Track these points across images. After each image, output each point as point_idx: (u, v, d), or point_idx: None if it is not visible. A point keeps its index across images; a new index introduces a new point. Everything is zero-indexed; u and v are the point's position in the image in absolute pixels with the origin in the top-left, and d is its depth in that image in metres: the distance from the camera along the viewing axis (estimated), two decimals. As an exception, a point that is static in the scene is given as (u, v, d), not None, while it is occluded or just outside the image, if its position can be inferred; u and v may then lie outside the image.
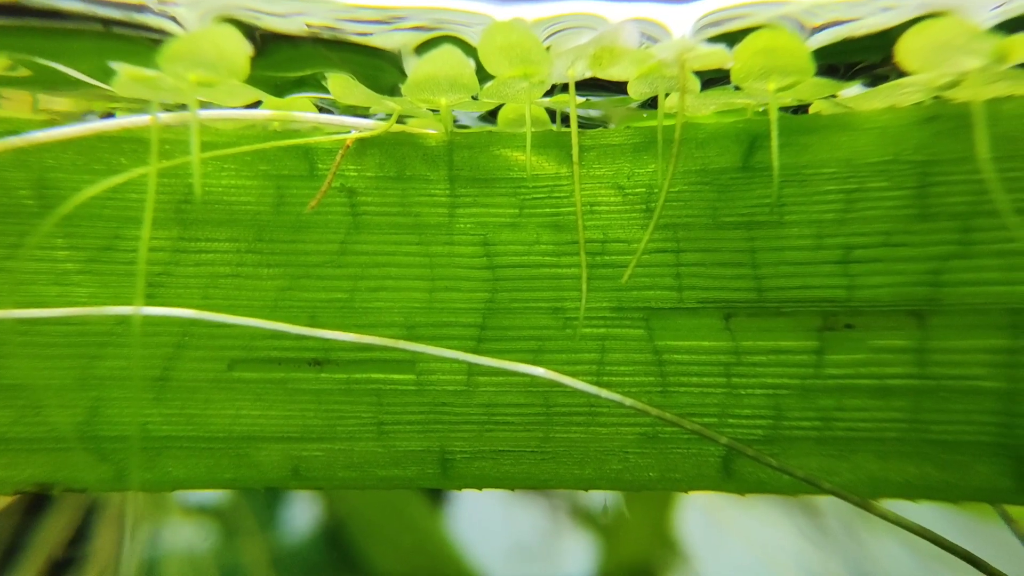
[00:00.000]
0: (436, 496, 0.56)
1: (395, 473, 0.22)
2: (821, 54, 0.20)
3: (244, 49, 0.18)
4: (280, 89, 0.22)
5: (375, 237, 0.23)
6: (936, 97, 0.19)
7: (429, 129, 0.22)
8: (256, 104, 0.22)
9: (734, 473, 0.20)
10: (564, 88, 0.22)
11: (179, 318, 0.21)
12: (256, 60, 0.20)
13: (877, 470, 0.19)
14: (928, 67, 0.17)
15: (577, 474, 0.21)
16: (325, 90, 0.22)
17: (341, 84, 0.19)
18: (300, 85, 0.22)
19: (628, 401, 0.19)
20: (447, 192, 0.23)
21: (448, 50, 0.18)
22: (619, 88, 0.21)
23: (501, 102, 0.20)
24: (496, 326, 0.22)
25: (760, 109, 0.21)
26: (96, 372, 0.22)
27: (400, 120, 0.23)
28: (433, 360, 0.22)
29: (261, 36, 0.21)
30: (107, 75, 0.22)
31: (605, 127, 0.24)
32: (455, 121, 0.26)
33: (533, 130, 0.22)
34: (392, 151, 0.23)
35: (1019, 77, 0.17)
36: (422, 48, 0.19)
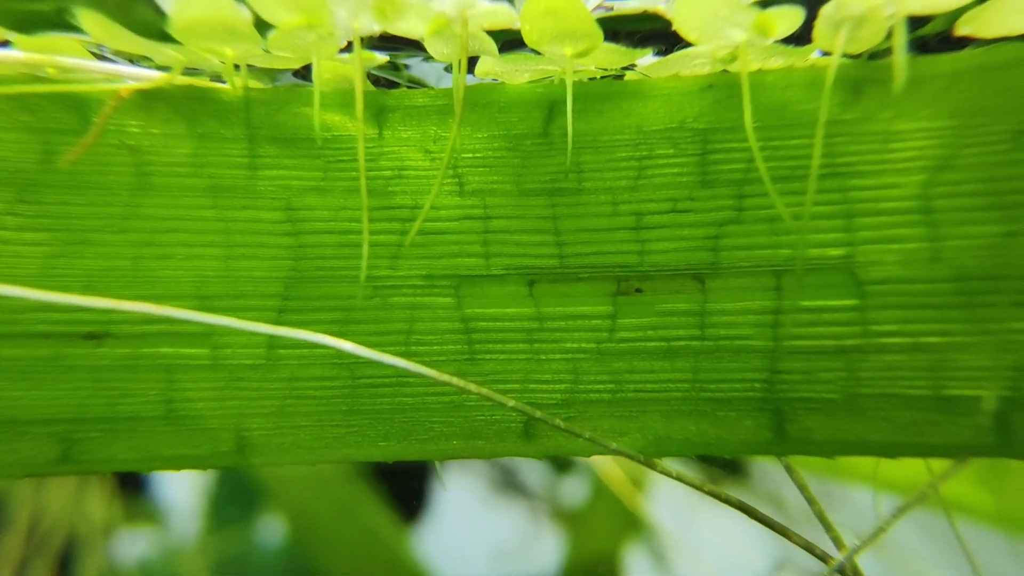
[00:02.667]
0: (406, 506, 0.54)
1: (185, 452, 0.20)
2: (616, 20, 0.20)
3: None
4: (26, 24, 0.20)
5: (164, 200, 0.21)
6: (725, 70, 0.20)
7: (221, 83, 0.21)
8: (4, 43, 0.20)
9: (534, 437, 0.20)
10: (379, 41, 0.22)
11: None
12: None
13: (662, 429, 0.20)
14: (704, 38, 0.18)
15: (382, 446, 0.21)
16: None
17: (98, 25, 0.17)
18: (52, 25, 0.20)
19: (427, 372, 0.18)
20: (245, 152, 0.21)
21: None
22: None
23: (294, 56, 0.20)
24: (300, 296, 0.21)
25: (599, 76, 0.22)
26: None
27: (192, 72, 0.22)
28: (229, 332, 0.21)
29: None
30: None
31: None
32: (275, 79, 0.25)
33: (338, 88, 0.21)
34: (181, 106, 0.21)
35: (783, 52, 0.19)
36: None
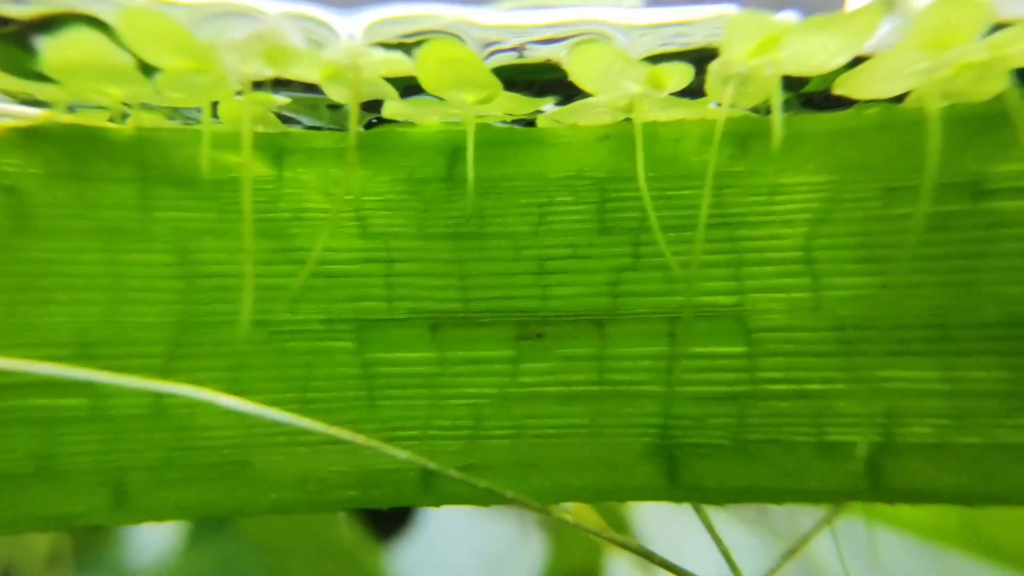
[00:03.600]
0: (392, 518, 0.52)
1: (57, 512, 0.19)
2: (524, 69, 0.21)
3: None
4: None
5: (45, 243, 0.20)
6: (627, 119, 0.21)
7: (109, 122, 0.20)
8: None
9: (432, 486, 0.20)
10: (279, 85, 0.21)
11: None
12: None
13: (560, 475, 0.20)
14: (600, 89, 0.19)
15: (274, 498, 0.20)
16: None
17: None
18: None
19: (312, 425, 0.18)
20: (137, 193, 0.20)
21: (83, 34, 0.16)
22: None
23: (189, 98, 0.19)
24: (191, 341, 0.20)
25: (509, 122, 0.22)
26: None
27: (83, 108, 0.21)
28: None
29: None
30: None
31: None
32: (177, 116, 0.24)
33: (237, 129, 0.21)
34: (66, 146, 0.20)
35: (679, 104, 0.19)
36: (47, 26, 0.17)
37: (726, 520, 0.20)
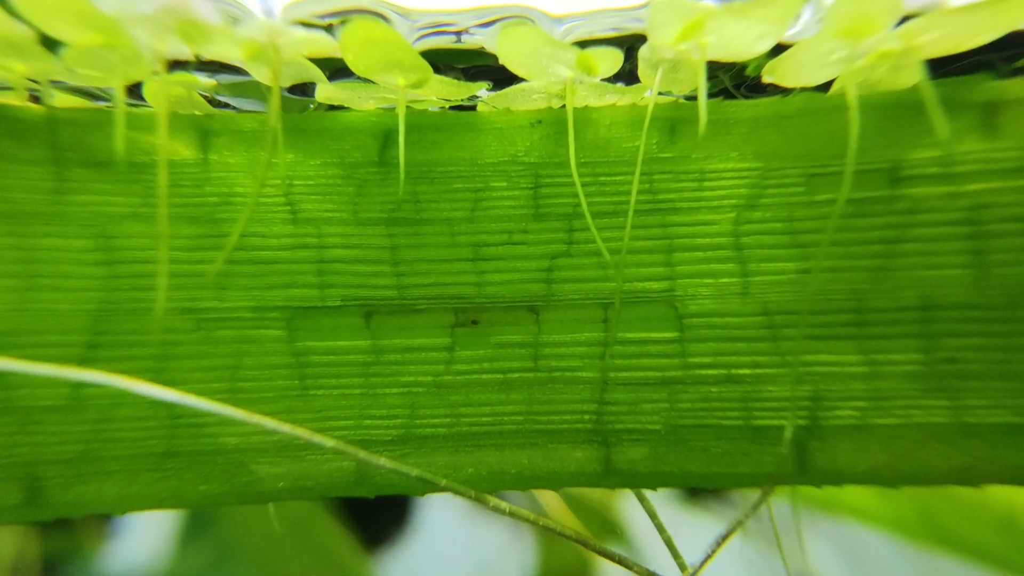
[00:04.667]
0: (386, 524, 0.51)
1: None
2: (460, 54, 0.20)
3: None
4: None
5: (-53, 226, 0.19)
6: (563, 105, 0.21)
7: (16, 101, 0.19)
8: None
9: (365, 477, 0.20)
10: (212, 68, 0.21)
11: None
12: None
13: (496, 463, 0.20)
14: (532, 74, 0.19)
15: (201, 491, 0.20)
16: None
17: None
18: None
19: (244, 415, 0.17)
20: (50, 176, 0.19)
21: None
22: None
23: (101, 76, 0.18)
24: (112, 330, 0.20)
25: (447, 107, 0.22)
26: None
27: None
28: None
29: None
30: None
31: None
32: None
33: (154, 110, 0.20)
34: (-30, 125, 0.19)
35: (613, 91, 0.20)
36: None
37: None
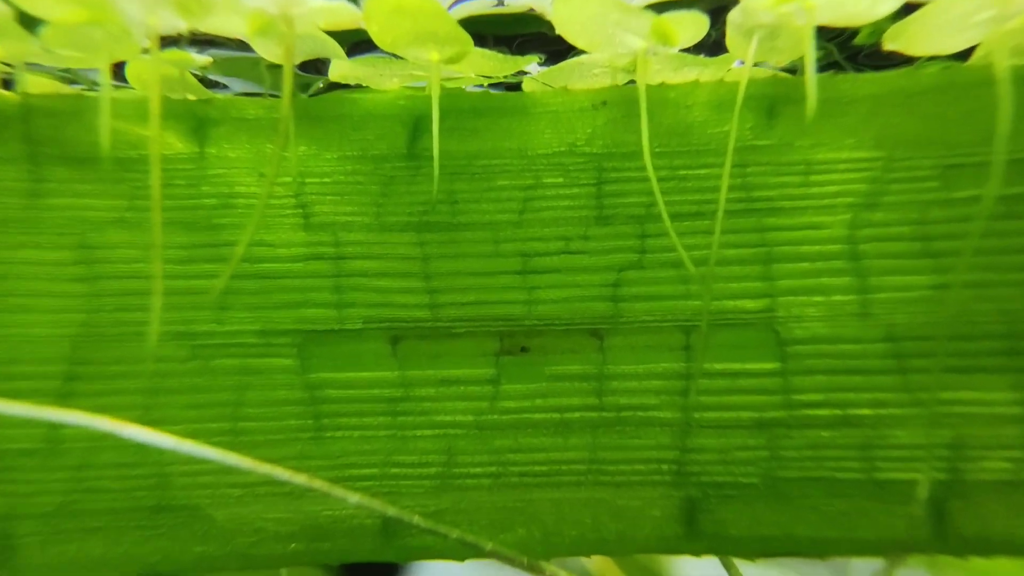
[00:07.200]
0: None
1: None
2: (502, 21, 0.18)
3: None
4: None
5: (-95, 236, 0.17)
6: (630, 82, 0.18)
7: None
8: None
9: (395, 537, 0.17)
10: (205, 44, 0.18)
11: None
12: None
13: (552, 523, 0.16)
14: (595, 45, 0.16)
15: (198, 552, 0.17)
16: None
17: None
18: None
19: (250, 465, 0.14)
20: (25, 175, 0.17)
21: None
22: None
23: (85, 56, 0.16)
24: (95, 359, 0.17)
25: (486, 86, 0.19)
26: None
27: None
28: (-7, 409, 0.17)
29: None
30: None
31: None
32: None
33: (142, 96, 0.17)
34: (-70, 115, 0.17)
35: (694, 63, 0.16)
36: None
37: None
